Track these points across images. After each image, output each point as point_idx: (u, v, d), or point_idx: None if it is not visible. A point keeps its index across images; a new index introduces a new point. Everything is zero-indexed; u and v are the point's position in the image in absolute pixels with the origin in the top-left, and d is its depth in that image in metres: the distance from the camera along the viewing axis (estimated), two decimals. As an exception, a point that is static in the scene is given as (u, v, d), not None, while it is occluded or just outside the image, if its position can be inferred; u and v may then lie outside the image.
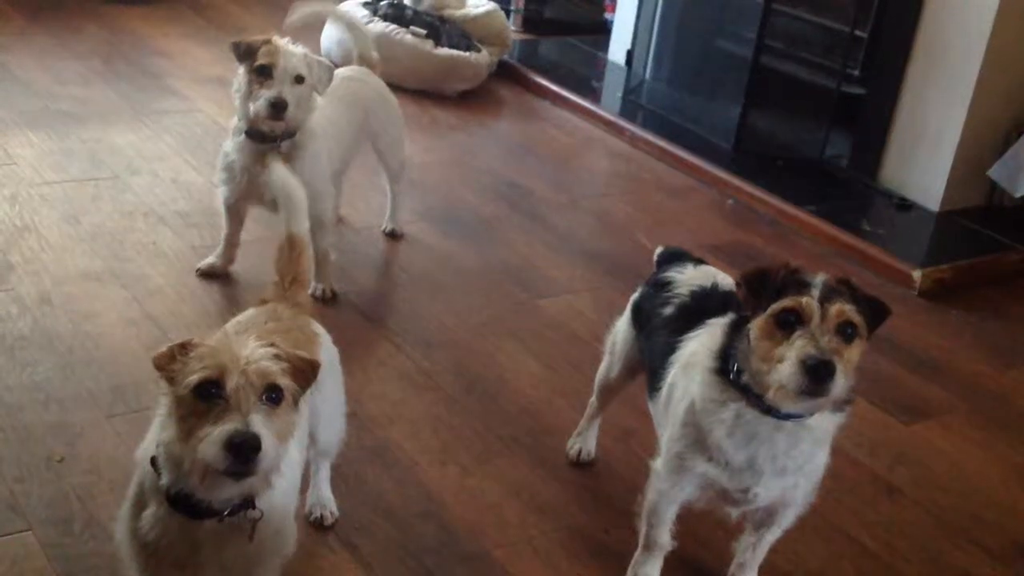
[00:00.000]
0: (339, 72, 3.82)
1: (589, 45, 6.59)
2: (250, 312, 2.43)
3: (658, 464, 2.48)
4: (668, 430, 2.45)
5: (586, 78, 6.13)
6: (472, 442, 3.08)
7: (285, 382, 1.85)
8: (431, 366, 3.41)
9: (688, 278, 2.66)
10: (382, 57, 5.54)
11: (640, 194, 4.96)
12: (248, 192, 3.57)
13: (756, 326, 2.19)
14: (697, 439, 2.34)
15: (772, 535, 2.52)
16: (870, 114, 5.11)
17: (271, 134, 3.45)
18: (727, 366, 2.28)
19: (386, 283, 3.88)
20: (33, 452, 2.78)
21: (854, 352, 2.16)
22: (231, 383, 1.78)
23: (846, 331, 2.14)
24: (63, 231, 3.88)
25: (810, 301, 2.12)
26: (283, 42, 3.42)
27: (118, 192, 4.22)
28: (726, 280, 2.65)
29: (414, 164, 4.88)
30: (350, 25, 4.25)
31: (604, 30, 6.55)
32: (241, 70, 3.44)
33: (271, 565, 2.09)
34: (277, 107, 3.35)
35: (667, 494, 2.45)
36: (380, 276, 3.93)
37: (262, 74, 3.37)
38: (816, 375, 2.08)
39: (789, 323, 2.13)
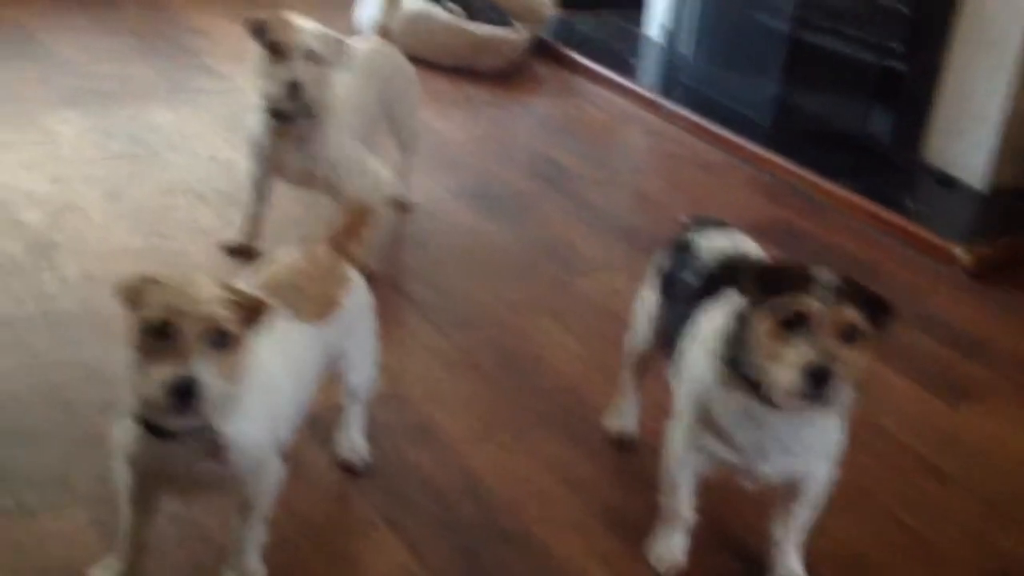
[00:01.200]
0: (357, 43, 3.82)
1: (625, 21, 6.54)
2: (290, 251, 2.54)
3: (673, 430, 2.48)
4: (680, 401, 2.47)
5: (622, 54, 6.09)
6: (511, 420, 3.09)
7: (232, 326, 1.95)
8: (469, 344, 3.41)
9: (712, 243, 2.64)
10: (417, 33, 5.49)
11: (677, 171, 4.94)
12: (272, 167, 3.60)
13: (760, 322, 2.18)
14: (705, 417, 2.35)
15: (802, 509, 2.50)
16: (912, 89, 5.04)
17: (290, 113, 3.45)
18: (734, 352, 2.26)
19: (422, 261, 3.88)
20: (80, 429, 2.81)
21: (858, 356, 2.14)
22: (178, 325, 1.89)
23: (849, 334, 2.12)
24: (104, 209, 3.91)
25: (814, 303, 2.10)
26: (296, 18, 3.40)
27: (158, 170, 4.24)
28: (751, 246, 2.63)
29: (448, 141, 4.88)
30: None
31: (640, 5, 6.49)
32: (256, 47, 3.43)
33: (255, 491, 2.24)
34: (293, 88, 3.35)
35: (681, 460, 2.46)
36: (417, 255, 3.93)
37: (276, 52, 3.36)
38: (816, 380, 2.07)
39: (794, 324, 2.12)
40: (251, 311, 2.02)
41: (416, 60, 5.60)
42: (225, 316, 1.94)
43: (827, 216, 4.61)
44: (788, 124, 5.27)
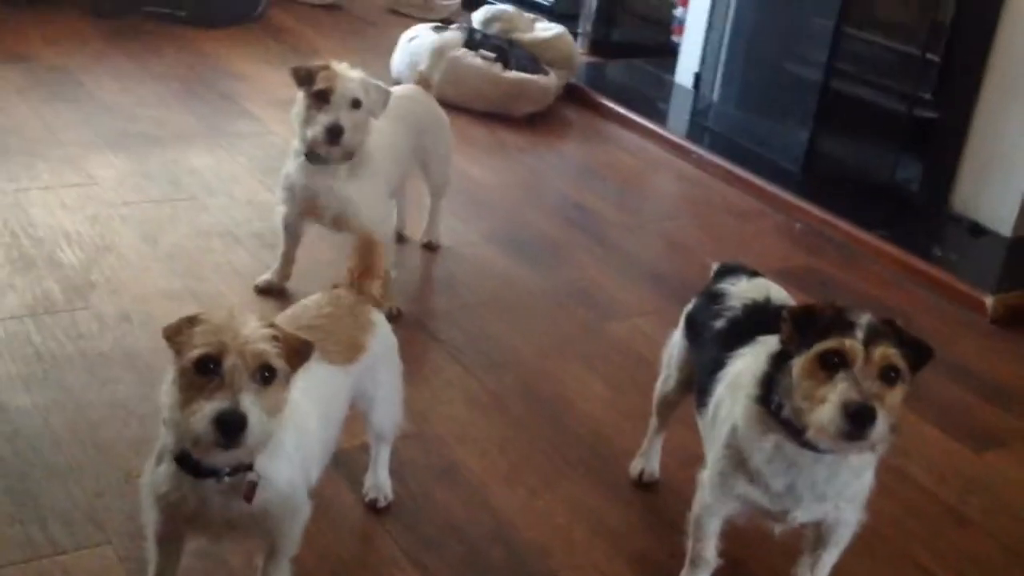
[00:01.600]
0: (395, 90, 3.92)
1: (656, 67, 6.61)
2: (316, 296, 2.59)
3: (704, 478, 2.50)
4: (713, 448, 2.47)
5: (653, 101, 6.15)
6: (540, 464, 3.11)
7: (278, 363, 2.00)
8: (498, 387, 3.44)
9: (741, 291, 2.67)
10: (451, 79, 5.62)
11: (707, 217, 4.96)
12: (306, 210, 3.69)
13: (799, 364, 2.19)
14: (738, 461, 2.36)
15: (828, 555, 2.50)
16: (942, 138, 5.06)
17: (327, 158, 3.53)
18: (769, 395, 2.28)
19: (453, 304, 3.92)
20: (113, 467, 2.86)
21: (897, 396, 2.14)
22: (227, 361, 1.94)
23: (889, 375, 2.13)
24: (142, 251, 3.98)
25: (854, 343, 2.12)
26: (342, 67, 3.51)
27: (195, 213, 4.32)
28: (780, 294, 2.66)
29: (481, 186, 4.94)
30: (440, 54, 4.32)
31: (671, 52, 6.56)
32: (300, 95, 3.53)
33: (284, 531, 2.27)
34: (333, 132, 3.44)
35: (710, 508, 2.47)
36: (447, 297, 3.98)
37: (320, 99, 3.46)
38: (857, 420, 2.07)
39: (833, 364, 2.12)
40: (295, 349, 2.07)
41: (450, 105, 5.70)
42: (271, 352, 2.00)
43: (856, 263, 4.62)
44: (818, 172, 5.29)
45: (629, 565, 2.75)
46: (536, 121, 5.82)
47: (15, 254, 3.83)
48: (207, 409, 1.92)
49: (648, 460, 3.06)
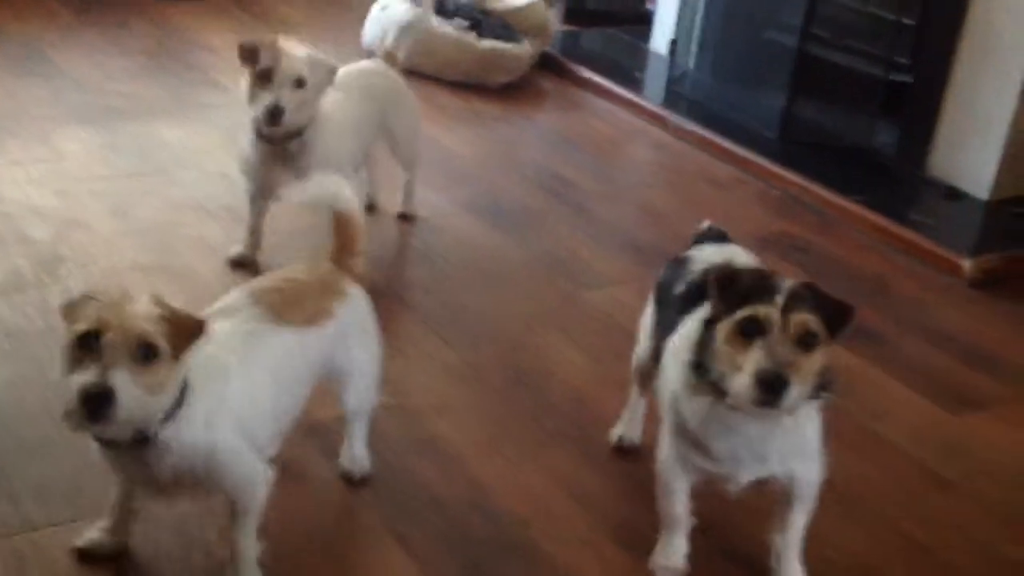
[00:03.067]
0: (359, 65, 3.92)
1: (631, 36, 6.55)
2: (290, 267, 2.62)
3: (661, 438, 2.52)
4: (662, 410, 2.51)
5: (629, 69, 6.10)
6: (519, 434, 3.09)
7: (160, 341, 2.02)
8: (476, 358, 3.41)
9: (705, 255, 2.67)
10: (425, 49, 5.58)
11: (684, 185, 4.94)
12: (266, 187, 3.65)
13: (721, 330, 2.21)
14: (681, 427, 2.39)
15: (797, 515, 2.51)
16: (918, 102, 5.04)
17: (272, 137, 3.50)
18: (703, 359, 2.29)
19: (430, 274, 3.89)
20: (86, 442, 2.76)
21: (815, 360, 2.18)
22: (105, 337, 1.97)
23: (807, 341, 2.16)
24: (112, 225, 3.93)
25: (770, 311, 2.14)
26: (288, 43, 3.46)
27: (166, 186, 4.26)
28: (744, 259, 2.65)
29: (456, 156, 4.89)
30: (407, 30, 4.26)
31: (646, 20, 6.51)
32: (246, 72, 3.46)
33: (239, 497, 2.30)
34: (274, 114, 3.41)
35: (670, 467, 2.49)
36: (424, 268, 3.94)
37: (263, 78, 3.42)
38: (769, 388, 2.10)
39: (751, 331, 2.15)
40: (185, 328, 2.09)
41: (424, 76, 5.67)
42: (151, 331, 2.02)
43: (834, 229, 4.61)
44: (795, 137, 5.27)
45: (610, 534, 2.74)
46: (511, 90, 5.77)
47: (-17, 230, 3.78)
48: (74, 381, 1.97)
49: (628, 427, 3.05)
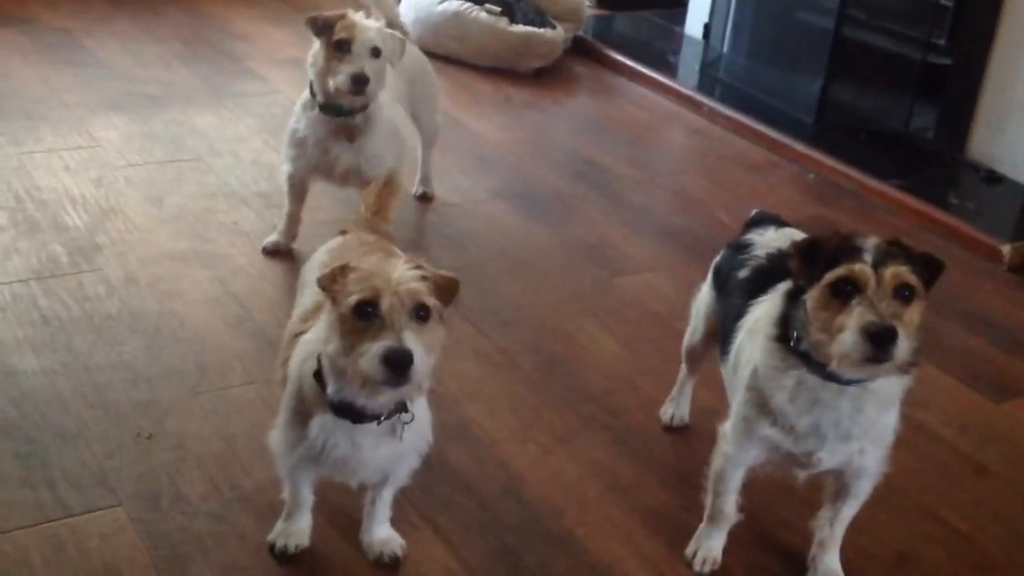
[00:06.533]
0: None
1: (665, 19, 6.51)
2: (339, 240, 2.63)
3: (726, 428, 2.48)
4: (735, 395, 2.46)
5: (662, 53, 6.06)
6: (551, 421, 3.08)
7: (431, 300, 2.07)
8: (508, 344, 3.40)
9: (767, 240, 2.64)
10: (456, 35, 5.58)
11: (719, 170, 4.90)
12: (317, 167, 3.64)
13: (812, 297, 2.18)
14: (761, 403, 2.34)
15: (849, 508, 2.48)
16: (957, 84, 4.97)
17: (350, 108, 3.49)
18: (787, 333, 2.26)
19: (462, 261, 3.88)
20: (122, 429, 2.84)
21: (915, 313, 2.13)
22: (385, 304, 2.00)
23: (903, 293, 2.12)
24: (147, 212, 3.95)
25: (864, 267, 2.11)
26: (359, 16, 3.45)
27: (200, 174, 4.28)
28: None
29: (488, 142, 4.88)
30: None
31: (680, 3, 6.46)
32: (317, 45, 3.47)
33: (412, 462, 2.39)
34: (359, 82, 3.39)
35: (733, 458, 2.45)
36: (456, 254, 3.93)
37: (340, 49, 3.41)
38: (879, 341, 2.06)
39: (845, 292, 2.11)
40: (443, 286, 2.13)
41: (456, 62, 5.66)
42: (423, 290, 2.06)
43: (871, 214, 4.56)
44: (831, 121, 5.22)
45: (643, 521, 2.72)
46: (543, 76, 5.74)
47: (19, 217, 3.80)
48: (375, 349, 1.98)
49: (678, 405, 3.07)
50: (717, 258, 2.82)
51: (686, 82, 5.67)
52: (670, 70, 5.81)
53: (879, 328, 2.05)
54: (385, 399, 2.12)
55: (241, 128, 4.71)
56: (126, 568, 2.41)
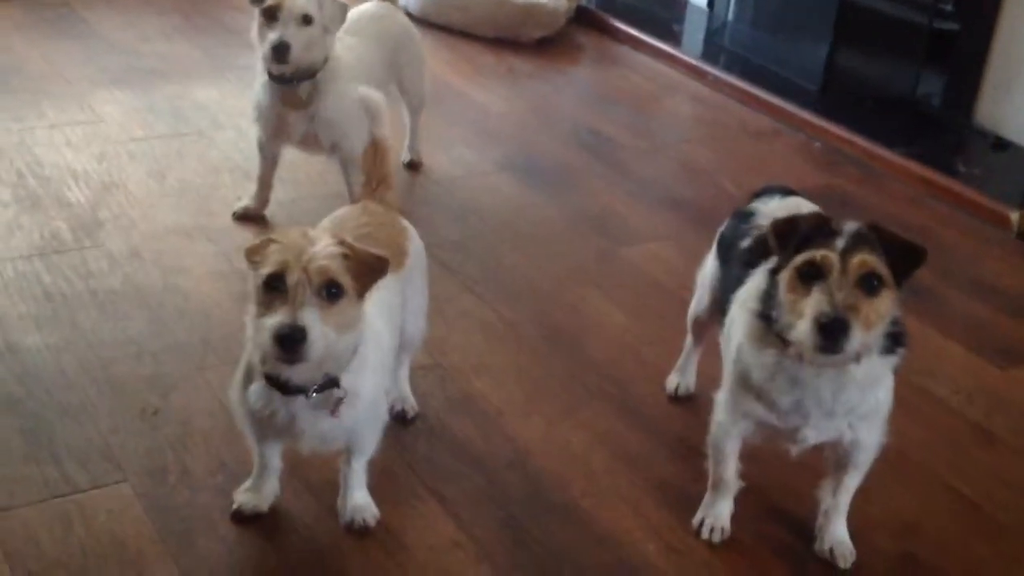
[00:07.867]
0: (365, 8, 3.91)
1: (669, -13, 6.46)
2: (345, 210, 2.62)
3: (719, 398, 2.47)
4: (726, 364, 2.46)
5: (666, 21, 6.01)
6: (557, 392, 3.07)
7: (345, 279, 2.04)
8: (513, 316, 3.39)
9: (770, 209, 2.61)
10: (458, 5, 5.53)
11: (724, 139, 4.87)
12: (277, 132, 3.64)
13: (783, 278, 2.16)
14: (745, 379, 2.33)
15: (851, 478, 2.47)
16: (964, 50, 4.93)
17: (292, 76, 3.48)
18: (770, 310, 2.23)
19: (466, 233, 3.86)
20: (127, 404, 2.83)
21: (880, 304, 2.09)
22: (291, 278, 2.00)
23: (870, 283, 2.08)
24: (150, 187, 3.93)
25: (827, 254, 2.07)
26: None
27: (203, 148, 4.26)
28: (810, 211, 2.59)
29: (491, 113, 4.85)
30: None
31: (684, -29, 6.40)
32: (256, 12, 3.46)
33: (368, 438, 2.38)
34: (279, 50, 3.37)
35: (726, 428, 2.45)
36: (460, 226, 3.91)
37: (269, 16, 3.39)
38: (829, 333, 2.03)
39: (810, 276, 2.09)
40: (368, 265, 2.10)
41: (457, 32, 5.61)
42: (336, 269, 2.03)
43: (878, 181, 4.53)
44: (837, 89, 5.18)
45: (650, 491, 2.72)
46: (546, 46, 5.70)
47: (22, 193, 3.79)
48: (268, 323, 2.00)
49: (684, 375, 3.06)
50: (722, 227, 2.80)
51: (690, 51, 5.62)
52: (674, 39, 5.77)
53: (829, 319, 2.03)
54: (306, 373, 2.10)
55: (243, 101, 4.66)
56: (133, 543, 2.41)
